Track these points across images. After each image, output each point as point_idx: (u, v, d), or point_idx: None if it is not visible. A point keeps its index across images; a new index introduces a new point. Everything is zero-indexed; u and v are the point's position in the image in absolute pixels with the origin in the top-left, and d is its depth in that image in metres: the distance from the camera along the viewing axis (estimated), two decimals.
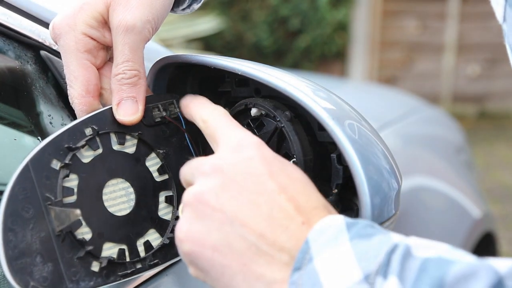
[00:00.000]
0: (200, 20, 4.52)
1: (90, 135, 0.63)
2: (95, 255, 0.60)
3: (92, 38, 0.66)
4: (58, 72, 0.79)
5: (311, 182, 0.55)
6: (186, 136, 0.71)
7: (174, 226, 0.67)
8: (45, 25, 0.79)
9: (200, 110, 0.64)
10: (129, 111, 0.65)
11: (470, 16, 6.30)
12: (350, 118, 0.62)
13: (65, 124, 0.79)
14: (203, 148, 0.72)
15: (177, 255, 0.66)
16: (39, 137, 0.78)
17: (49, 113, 0.78)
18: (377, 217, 0.59)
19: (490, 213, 2.10)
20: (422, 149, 1.88)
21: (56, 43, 0.67)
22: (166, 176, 0.69)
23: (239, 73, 0.66)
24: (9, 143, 0.80)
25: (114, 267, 0.62)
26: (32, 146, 0.79)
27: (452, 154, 2.02)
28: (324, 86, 0.66)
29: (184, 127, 0.71)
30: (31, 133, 0.79)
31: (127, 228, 0.64)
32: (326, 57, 6.28)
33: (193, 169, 0.56)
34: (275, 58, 6.20)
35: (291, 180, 0.53)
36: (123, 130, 0.66)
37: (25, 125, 0.79)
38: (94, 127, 0.64)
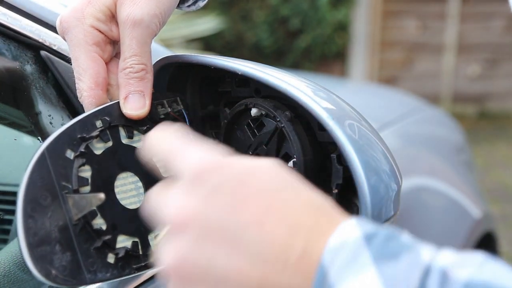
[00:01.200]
0: (200, 20, 4.52)
1: (101, 127, 0.63)
2: (111, 246, 0.60)
3: (100, 32, 0.66)
4: (58, 72, 0.79)
5: (289, 178, 0.45)
6: None
7: None
8: (45, 25, 0.79)
9: (147, 145, 0.50)
10: (136, 105, 0.65)
11: (470, 16, 6.30)
12: (350, 118, 0.62)
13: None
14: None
15: None
16: (39, 137, 0.78)
17: (49, 113, 0.78)
18: (376, 217, 0.59)
19: (490, 213, 2.10)
20: (422, 149, 1.88)
21: (64, 38, 0.67)
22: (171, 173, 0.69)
23: (239, 73, 0.66)
24: (9, 143, 0.80)
25: (128, 260, 0.62)
26: (32, 146, 0.79)
27: (452, 154, 2.02)
28: (324, 86, 0.66)
29: (188, 123, 0.71)
30: (31, 133, 0.79)
31: (138, 221, 0.64)
32: (326, 57, 6.28)
33: (160, 206, 0.46)
34: (275, 58, 6.20)
35: (268, 196, 0.43)
36: (130, 124, 0.66)
37: (25, 125, 0.79)
38: (106, 118, 0.64)
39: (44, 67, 0.79)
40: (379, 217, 0.59)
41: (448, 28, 6.33)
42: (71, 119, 0.79)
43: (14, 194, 0.82)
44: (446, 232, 1.75)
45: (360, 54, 6.31)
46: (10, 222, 0.82)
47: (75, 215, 0.57)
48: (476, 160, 2.76)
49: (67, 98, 0.80)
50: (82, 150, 0.61)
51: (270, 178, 0.44)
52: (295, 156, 0.66)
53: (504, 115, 6.46)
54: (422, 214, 1.64)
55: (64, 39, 0.67)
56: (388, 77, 6.34)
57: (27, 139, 0.80)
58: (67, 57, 0.79)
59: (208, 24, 4.54)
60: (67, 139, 0.60)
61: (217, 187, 0.43)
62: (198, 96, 0.78)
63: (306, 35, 6.15)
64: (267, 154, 0.69)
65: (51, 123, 0.78)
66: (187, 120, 0.71)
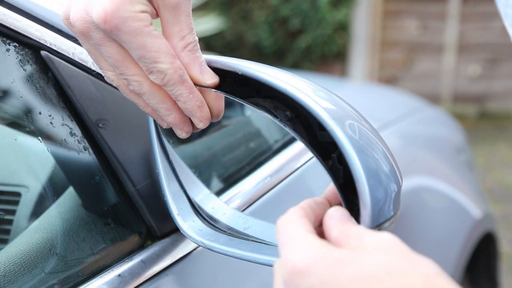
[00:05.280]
0: (200, 20, 4.52)
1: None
2: None
3: (147, 12, 0.63)
4: (58, 72, 0.79)
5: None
6: None
7: None
8: (45, 25, 0.79)
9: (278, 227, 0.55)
10: (211, 74, 0.66)
11: (470, 16, 6.30)
12: (350, 118, 0.62)
13: (66, 124, 0.79)
14: None
15: None
16: (39, 137, 0.78)
17: (49, 113, 0.78)
18: (377, 217, 0.59)
19: (490, 213, 2.10)
20: (423, 149, 1.88)
21: (112, 33, 0.62)
22: None
23: (239, 73, 0.66)
24: (9, 143, 0.80)
25: None
26: (32, 146, 0.79)
27: (452, 154, 2.02)
28: (324, 86, 0.66)
29: None
30: (31, 133, 0.79)
31: None
32: (327, 57, 6.29)
33: None
34: (275, 58, 6.20)
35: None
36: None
37: (25, 125, 0.79)
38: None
39: (44, 67, 0.79)
40: (380, 216, 0.59)
41: (448, 28, 6.33)
42: (71, 119, 0.80)
43: (14, 194, 0.82)
44: (447, 233, 1.75)
45: (360, 54, 6.31)
46: (10, 222, 0.82)
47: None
48: (476, 160, 2.76)
49: (67, 98, 0.80)
50: None
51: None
52: None
53: (504, 115, 6.46)
54: (422, 214, 1.64)
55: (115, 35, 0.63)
56: (388, 77, 6.35)
57: (27, 139, 0.80)
58: (67, 57, 0.79)
59: (208, 24, 4.54)
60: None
61: None
62: None
63: (306, 35, 6.15)
64: None
65: (51, 123, 0.78)
66: None
